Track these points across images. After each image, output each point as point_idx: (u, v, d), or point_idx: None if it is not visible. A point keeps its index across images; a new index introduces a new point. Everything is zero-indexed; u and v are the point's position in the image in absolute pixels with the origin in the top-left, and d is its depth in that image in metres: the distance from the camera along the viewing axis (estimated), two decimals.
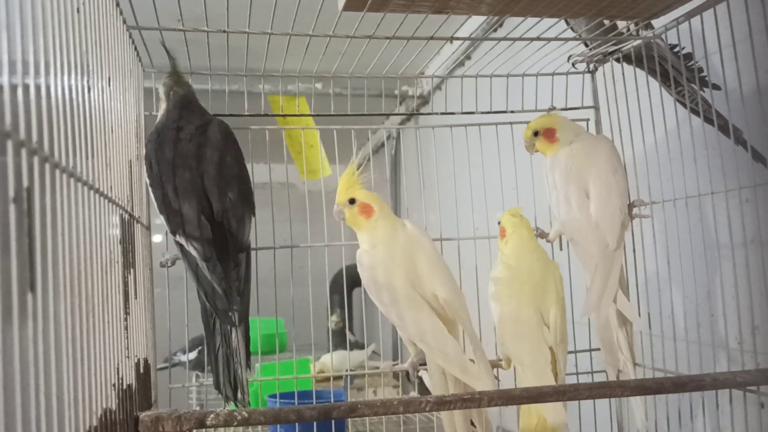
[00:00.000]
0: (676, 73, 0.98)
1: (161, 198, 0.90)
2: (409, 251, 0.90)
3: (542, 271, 0.95)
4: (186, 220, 0.89)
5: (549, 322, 0.92)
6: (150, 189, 0.92)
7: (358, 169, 0.94)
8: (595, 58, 1.14)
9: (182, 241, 0.90)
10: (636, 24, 1.02)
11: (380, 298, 0.89)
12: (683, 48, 1.00)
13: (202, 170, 0.92)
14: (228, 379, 0.92)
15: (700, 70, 0.97)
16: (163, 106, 1.00)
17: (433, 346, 0.87)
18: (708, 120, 0.94)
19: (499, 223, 1.01)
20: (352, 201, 0.93)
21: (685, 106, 0.99)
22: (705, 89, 0.97)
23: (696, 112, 0.97)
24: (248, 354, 0.94)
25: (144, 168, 0.92)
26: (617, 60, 1.10)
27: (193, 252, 0.89)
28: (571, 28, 1.06)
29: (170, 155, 0.91)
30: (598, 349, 1.16)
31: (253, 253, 1.12)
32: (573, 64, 1.17)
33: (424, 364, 0.95)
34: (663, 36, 1.01)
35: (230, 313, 0.89)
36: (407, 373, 1.00)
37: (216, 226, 0.91)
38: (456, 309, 0.88)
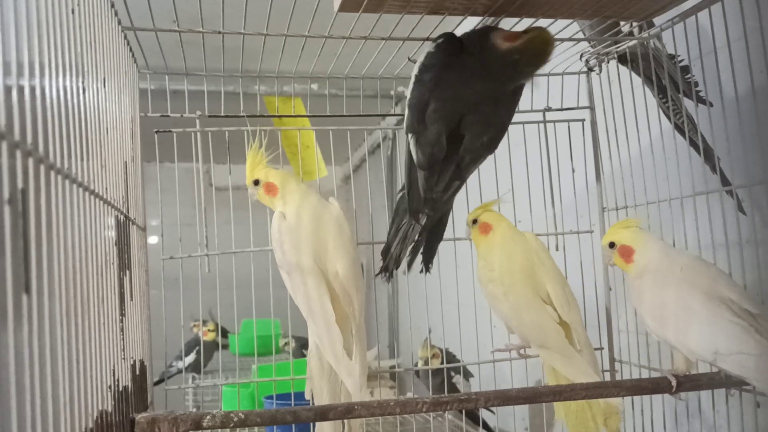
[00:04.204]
0: (669, 82, 0.99)
1: (419, 103, 0.90)
2: (315, 224, 0.92)
3: (524, 253, 0.94)
4: (428, 131, 0.89)
5: (550, 299, 0.93)
6: (413, 85, 0.92)
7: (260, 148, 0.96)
8: (602, 53, 1.13)
9: (411, 141, 0.91)
10: (631, 25, 1.02)
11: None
12: (681, 60, 1.00)
13: (468, 108, 0.91)
14: (393, 258, 0.99)
15: (695, 84, 0.98)
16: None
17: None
18: (688, 139, 0.96)
19: (474, 221, 1.00)
20: (256, 182, 0.95)
21: (669, 119, 1.00)
22: (693, 103, 0.97)
23: (680, 130, 0.98)
24: (429, 251, 1.02)
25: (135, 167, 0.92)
26: (613, 59, 1.10)
27: (414, 155, 0.91)
28: (583, 32, 1.06)
29: (452, 79, 0.90)
30: (595, 349, 1.16)
31: (250, 254, 1.12)
32: (587, 61, 1.16)
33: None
34: (659, 36, 1.01)
35: (420, 214, 0.94)
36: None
37: (453, 150, 0.91)
38: (349, 290, 0.90)
